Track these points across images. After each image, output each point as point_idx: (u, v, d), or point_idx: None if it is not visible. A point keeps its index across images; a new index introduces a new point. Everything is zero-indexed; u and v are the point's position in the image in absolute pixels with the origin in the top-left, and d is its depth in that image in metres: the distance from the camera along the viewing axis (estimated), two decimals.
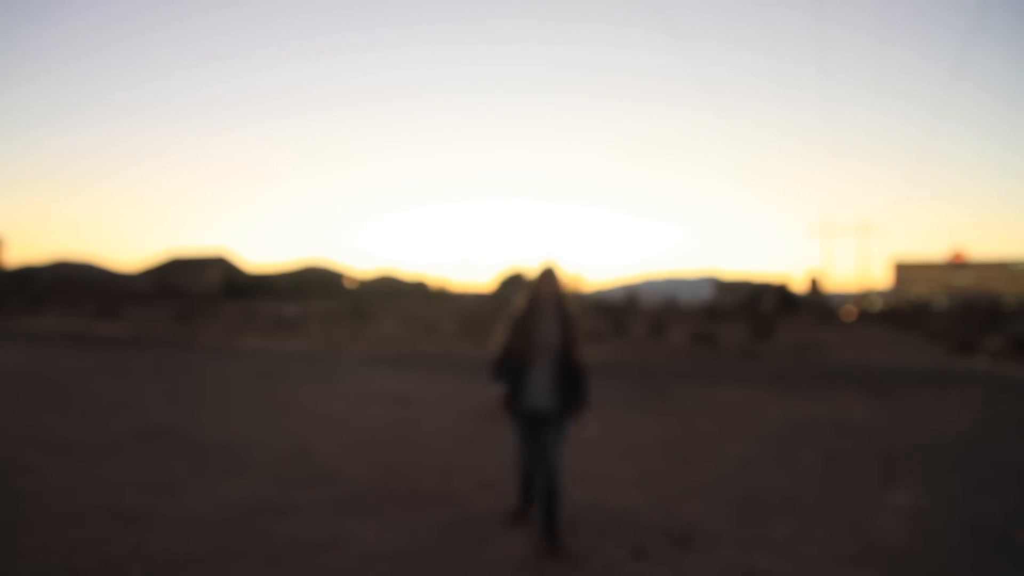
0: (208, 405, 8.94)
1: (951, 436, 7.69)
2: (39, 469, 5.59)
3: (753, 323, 26.39)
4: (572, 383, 4.20)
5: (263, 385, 10.89)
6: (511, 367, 4.24)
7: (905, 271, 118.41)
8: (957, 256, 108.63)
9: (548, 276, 4.33)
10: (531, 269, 4.47)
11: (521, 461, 4.48)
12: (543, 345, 4.19)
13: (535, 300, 4.30)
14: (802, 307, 63.62)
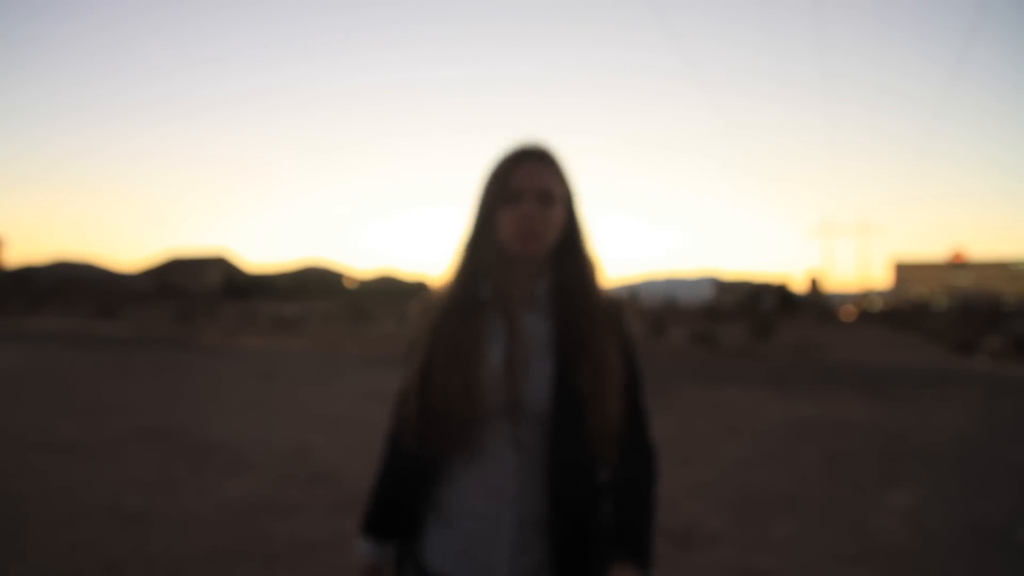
0: (208, 405, 8.94)
1: (951, 436, 7.69)
2: (39, 469, 5.59)
3: (753, 323, 26.39)
4: (599, 507, 1.40)
5: (263, 385, 10.89)
6: (411, 468, 1.42)
7: (905, 271, 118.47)
8: (957, 256, 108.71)
9: (527, 177, 1.38)
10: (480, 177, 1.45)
11: None
12: (506, 396, 1.34)
13: (482, 264, 1.42)
14: (802, 307, 63.62)
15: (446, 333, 1.37)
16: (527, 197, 1.35)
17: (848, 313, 59.76)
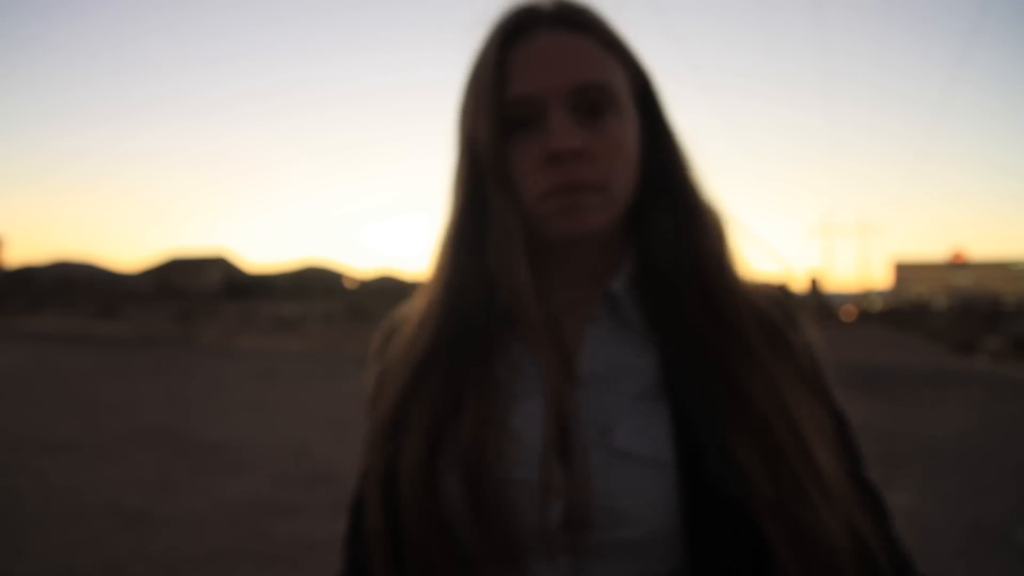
0: (208, 405, 8.94)
1: (951, 436, 7.69)
2: (40, 469, 5.59)
3: None
4: None
5: (263, 385, 10.89)
6: None
7: (905, 271, 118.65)
8: (957, 256, 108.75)
9: (539, 65, 0.67)
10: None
11: None
12: (564, 505, 0.63)
13: (496, 259, 0.69)
14: (802, 307, 63.55)
15: (428, 396, 0.69)
16: (551, 110, 0.66)
17: (848, 313, 59.83)
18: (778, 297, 0.76)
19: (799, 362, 0.72)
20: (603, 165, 0.67)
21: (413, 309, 0.77)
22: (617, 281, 0.71)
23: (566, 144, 0.64)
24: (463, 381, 0.68)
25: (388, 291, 70.88)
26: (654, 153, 0.72)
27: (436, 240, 0.77)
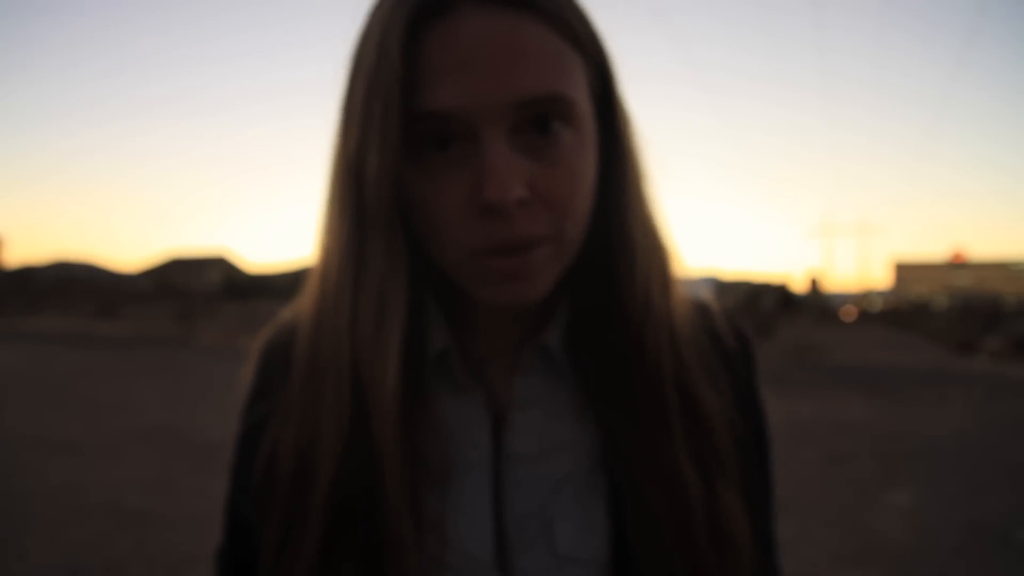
0: (208, 405, 8.94)
1: (951, 436, 7.69)
2: (39, 469, 5.59)
3: (753, 323, 26.42)
4: None
5: None
6: None
7: (905, 271, 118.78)
8: (957, 256, 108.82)
9: (472, 62, 0.48)
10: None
11: None
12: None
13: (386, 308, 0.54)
14: (802, 307, 63.71)
15: (353, 467, 0.57)
16: (486, 138, 0.49)
17: (848, 313, 59.86)
18: (740, 336, 0.66)
19: (747, 413, 0.63)
20: (556, 208, 0.51)
21: (302, 331, 0.64)
22: (553, 334, 0.60)
23: (508, 193, 0.48)
24: (377, 454, 0.55)
25: None
26: (605, 170, 0.56)
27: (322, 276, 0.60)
